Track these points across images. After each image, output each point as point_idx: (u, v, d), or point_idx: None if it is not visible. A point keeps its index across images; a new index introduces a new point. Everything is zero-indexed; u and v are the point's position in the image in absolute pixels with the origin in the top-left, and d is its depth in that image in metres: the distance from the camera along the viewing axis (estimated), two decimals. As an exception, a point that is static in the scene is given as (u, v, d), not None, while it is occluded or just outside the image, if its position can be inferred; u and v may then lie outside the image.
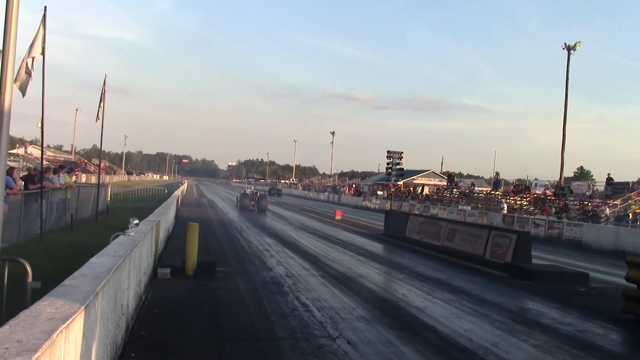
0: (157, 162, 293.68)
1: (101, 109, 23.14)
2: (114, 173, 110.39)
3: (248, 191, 44.34)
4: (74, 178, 29.85)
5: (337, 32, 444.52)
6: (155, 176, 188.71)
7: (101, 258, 6.26)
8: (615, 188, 39.28)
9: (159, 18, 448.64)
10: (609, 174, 40.88)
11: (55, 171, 21.62)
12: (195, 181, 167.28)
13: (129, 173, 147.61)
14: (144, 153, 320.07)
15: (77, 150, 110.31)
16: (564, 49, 46.79)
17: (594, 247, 28.49)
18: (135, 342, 7.34)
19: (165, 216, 17.49)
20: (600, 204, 37.25)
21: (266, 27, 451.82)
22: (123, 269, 6.51)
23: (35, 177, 18.11)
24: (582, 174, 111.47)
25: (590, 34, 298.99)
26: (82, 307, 3.91)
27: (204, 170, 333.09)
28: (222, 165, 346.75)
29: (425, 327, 9.39)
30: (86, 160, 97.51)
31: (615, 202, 36.41)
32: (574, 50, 46.50)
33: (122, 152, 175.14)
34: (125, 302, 7.02)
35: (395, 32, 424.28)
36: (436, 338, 8.69)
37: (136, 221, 9.29)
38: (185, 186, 73.27)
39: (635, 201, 36.61)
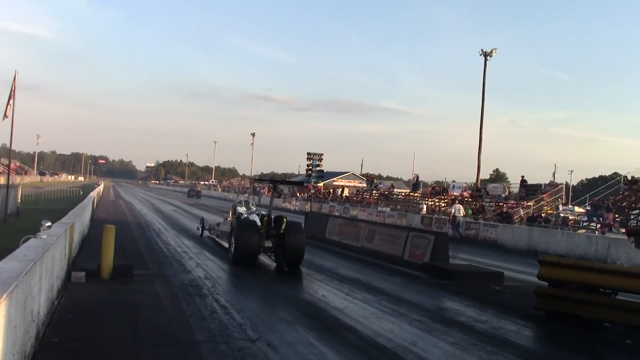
0: (72, 162, 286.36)
1: (10, 107, 22.41)
2: (25, 174, 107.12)
3: (242, 209, 20.31)
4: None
5: (255, 33, 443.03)
6: (69, 177, 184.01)
7: (9, 262, 6.04)
8: (528, 190, 40.47)
9: (75, 14, 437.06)
10: (522, 176, 42.17)
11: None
12: (112, 182, 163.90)
13: (42, 174, 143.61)
14: (57, 153, 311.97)
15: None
16: (480, 55, 47.89)
17: (509, 247, 29.18)
18: (46, 349, 7.07)
19: (80, 218, 17.04)
20: (514, 205, 38.28)
21: (183, 26, 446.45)
22: (33, 273, 6.28)
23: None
24: (498, 176, 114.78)
25: (505, 41, 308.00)
26: (-12, 314, 3.73)
27: (122, 171, 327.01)
28: (140, 166, 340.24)
29: (345, 327, 9.41)
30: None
31: (528, 204, 37.50)
32: (490, 56, 47.62)
33: (35, 152, 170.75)
34: (36, 308, 6.77)
35: (313, 33, 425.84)
36: (356, 338, 8.71)
37: (48, 223, 9.00)
38: (101, 187, 71.74)
39: (547, 202, 37.79)
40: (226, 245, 18.99)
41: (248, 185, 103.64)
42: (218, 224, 23.04)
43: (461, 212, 35.13)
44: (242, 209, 20.38)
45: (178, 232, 26.31)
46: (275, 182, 22.41)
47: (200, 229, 24.98)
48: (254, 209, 20.59)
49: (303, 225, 19.76)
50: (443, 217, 38.04)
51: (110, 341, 7.79)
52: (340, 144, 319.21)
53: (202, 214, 36.12)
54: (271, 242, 16.51)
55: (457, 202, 38.49)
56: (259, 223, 17.03)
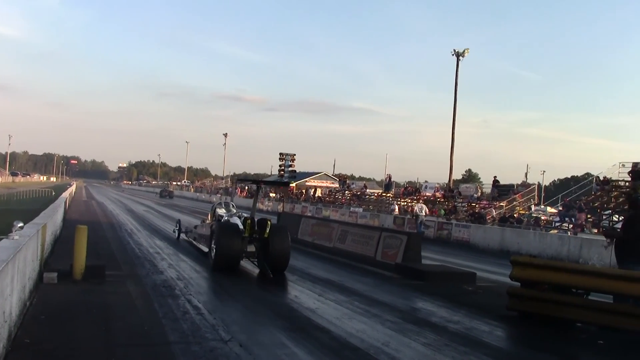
0: (44, 162, 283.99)
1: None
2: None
3: (222, 212, 19.19)
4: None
5: (227, 33, 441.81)
6: (42, 177, 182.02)
7: (-19, 263, 6.02)
8: (500, 190, 40.82)
9: (47, 14, 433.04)
10: (495, 176, 42.54)
11: None
12: (85, 183, 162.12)
13: (14, 174, 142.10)
14: (30, 153, 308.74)
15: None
16: (453, 55, 48.20)
17: (481, 247, 29.46)
18: (18, 350, 7.04)
19: (52, 219, 16.93)
20: (487, 206, 38.56)
21: (155, 26, 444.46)
22: (5, 274, 6.27)
23: None
24: (470, 177, 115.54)
25: (477, 42, 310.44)
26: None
27: (94, 171, 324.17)
28: (113, 167, 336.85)
29: (318, 328, 9.45)
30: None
31: (501, 204, 37.80)
32: (463, 56, 48.01)
33: (6, 153, 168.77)
34: (8, 309, 6.75)
35: (285, 34, 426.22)
36: (328, 339, 8.75)
37: (20, 224, 8.96)
38: (73, 188, 71.12)
39: (519, 202, 38.14)
40: (205, 249, 18.09)
41: (221, 186, 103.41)
42: (195, 227, 21.87)
43: (423, 211, 36.01)
44: (222, 211, 19.17)
45: (150, 232, 26.19)
46: (259, 182, 20.30)
47: (177, 232, 23.78)
48: (235, 210, 19.22)
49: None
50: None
51: (83, 342, 7.76)
52: (312, 144, 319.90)
53: (174, 214, 35.98)
54: (254, 247, 15.49)
55: (420, 201, 40.00)
56: (241, 226, 15.93)
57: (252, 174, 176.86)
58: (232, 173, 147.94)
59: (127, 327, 8.78)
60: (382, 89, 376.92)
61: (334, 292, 13.14)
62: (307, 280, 14.73)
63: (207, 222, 19.77)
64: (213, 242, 15.79)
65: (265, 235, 15.24)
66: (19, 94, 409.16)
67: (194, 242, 20.70)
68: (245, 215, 17.49)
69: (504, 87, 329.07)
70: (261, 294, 12.74)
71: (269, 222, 15.51)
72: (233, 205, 20.28)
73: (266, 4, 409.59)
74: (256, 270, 15.43)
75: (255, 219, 15.87)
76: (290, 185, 42.57)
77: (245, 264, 16.02)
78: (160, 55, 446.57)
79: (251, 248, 15.49)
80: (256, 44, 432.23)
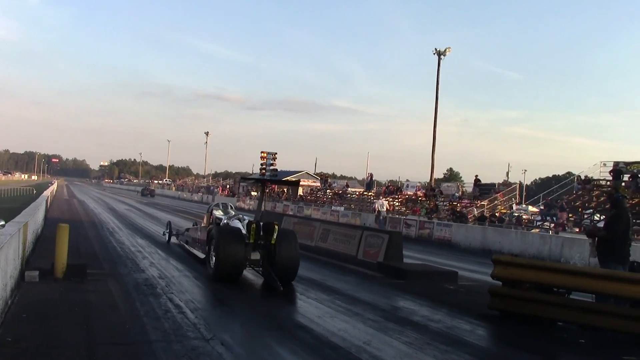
0: (26, 161, 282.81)
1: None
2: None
3: (220, 214, 17.74)
4: None
5: (207, 32, 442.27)
6: (23, 176, 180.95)
7: (-37, 262, 6.00)
8: (482, 189, 40.83)
9: (27, 13, 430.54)
10: (476, 175, 42.50)
11: None
12: (66, 181, 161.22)
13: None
14: (11, 152, 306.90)
15: None
16: (434, 54, 48.33)
17: (463, 246, 29.55)
18: (0, 348, 7.05)
19: (34, 217, 16.83)
20: (468, 205, 38.66)
21: (136, 24, 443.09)
22: (-13, 272, 6.26)
23: None
24: (452, 176, 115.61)
25: (458, 40, 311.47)
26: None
27: (75, 170, 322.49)
28: (94, 165, 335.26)
29: (300, 326, 9.48)
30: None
31: (482, 203, 37.89)
32: (444, 55, 48.14)
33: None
34: (-11, 307, 6.75)
35: (265, 32, 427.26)
36: (310, 337, 8.76)
37: (2, 222, 8.97)
38: (55, 187, 70.70)
39: (501, 202, 38.28)
40: (200, 255, 16.60)
41: (202, 185, 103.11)
42: (187, 230, 20.14)
43: (384, 207, 37.13)
44: (219, 213, 17.60)
45: (132, 231, 26.10)
46: (266, 180, 18.01)
47: (167, 234, 22.11)
48: (234, 213, 17.80)
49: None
50: (397, 216, 38.37)
51: (64, 340, 7.73)
52: (293, 143, 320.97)
53: (156, 213, 35.88)
54: (259, 254, 13.68)
55: (381, 197, 40.87)
56: (244, 231, 14.43)
57: (233, 172, 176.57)
58: (213, 172, 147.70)
59: (108, 325, 8.75)
60: (364, 87, 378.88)
61: (315, 290, 13.17)
62: (289, 279, 14.68)
63: (203, 225, 18.23)
64: (212, 248, 14.32)
65: (272, 242, 13.45)
66: (0, 92, 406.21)
67: (187, 246, 19.30)
68: (248, 218, 16.35)
69: (485, 86, 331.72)
70: (242, 293, 12.71)
71: (276, 227, 13.67)
72: (232, 207, 19.16)
73: (247, 2, 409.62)
74: (260, 281, 14.19)
75: (261, 223, 14.09)
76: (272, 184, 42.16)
77: (247, 273, 14.66)
78: (141, 54, 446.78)
79: (255, 255, 13.75)
80: (237, 43, 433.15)
